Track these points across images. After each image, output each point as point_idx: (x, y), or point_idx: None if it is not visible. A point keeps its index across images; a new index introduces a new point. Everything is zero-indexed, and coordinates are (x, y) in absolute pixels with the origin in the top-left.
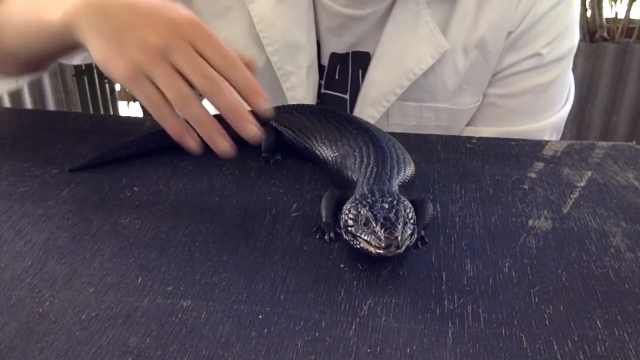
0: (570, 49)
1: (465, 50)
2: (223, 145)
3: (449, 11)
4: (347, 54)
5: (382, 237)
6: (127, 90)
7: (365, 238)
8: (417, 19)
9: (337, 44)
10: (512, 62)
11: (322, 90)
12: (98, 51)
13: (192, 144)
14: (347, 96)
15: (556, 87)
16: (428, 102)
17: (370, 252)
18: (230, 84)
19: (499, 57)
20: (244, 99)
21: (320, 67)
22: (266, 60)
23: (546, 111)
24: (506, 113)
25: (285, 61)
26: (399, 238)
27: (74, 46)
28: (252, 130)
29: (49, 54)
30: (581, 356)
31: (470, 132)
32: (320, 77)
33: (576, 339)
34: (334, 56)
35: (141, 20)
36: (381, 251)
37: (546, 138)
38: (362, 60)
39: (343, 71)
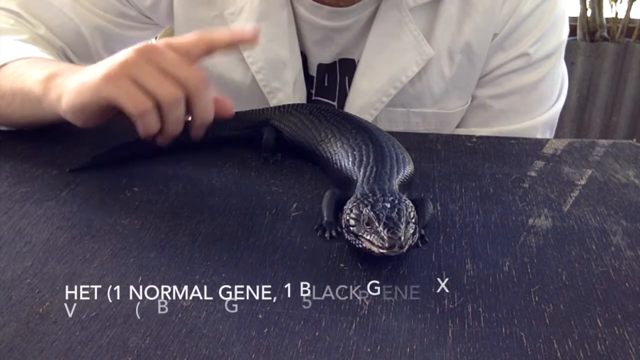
0: (558, 45)
1: (451, 55)
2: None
3: (432, 17)
4: (334, 62)
5: (385, 237)
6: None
7: (368, 238)
8: (401, 26)
9: (323, 55)
10: (500, 63)
11: (314, 98)
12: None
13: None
14: (335, 103)
15: (546, 84)
16: (415, 108)
17: (373, 252)
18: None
19: (485, 59)
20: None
21: (310, 77)
22: (252, 79)
23: (537, 109)
24: (497, 113)
25: (270, 78)
26: (402, 238)
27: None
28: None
29: (40, 120)
30: (581, 355)
31: (461, 133)
32: (311, 87)
33: (576, 337)
34: (321, 66)
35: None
36: (384, 251)
37: (539, 136)
38: (348, 67)
39: (332, 79)
